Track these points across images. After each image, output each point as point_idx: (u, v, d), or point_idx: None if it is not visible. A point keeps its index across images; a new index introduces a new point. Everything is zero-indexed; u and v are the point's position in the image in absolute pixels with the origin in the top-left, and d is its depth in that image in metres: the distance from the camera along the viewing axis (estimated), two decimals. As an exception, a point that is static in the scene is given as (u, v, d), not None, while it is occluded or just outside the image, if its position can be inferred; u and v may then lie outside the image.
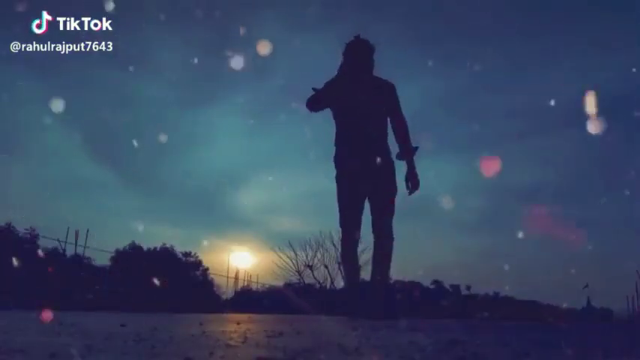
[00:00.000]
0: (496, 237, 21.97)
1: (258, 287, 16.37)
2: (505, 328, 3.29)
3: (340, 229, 3.59)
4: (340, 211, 3.50)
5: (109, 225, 17.44)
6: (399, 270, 16.00)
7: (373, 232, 3.54)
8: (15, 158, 15.87)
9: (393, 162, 3.50)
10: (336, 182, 3.49)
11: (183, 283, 12.77)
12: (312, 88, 3.41)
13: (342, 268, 4.10)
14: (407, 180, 3.48)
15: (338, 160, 3.48)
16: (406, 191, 3.52)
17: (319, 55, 18.28)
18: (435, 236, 22.49)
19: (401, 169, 3.65)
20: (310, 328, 2.44)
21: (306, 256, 14.08)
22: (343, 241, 3.63)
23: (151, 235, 21.41)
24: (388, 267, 3.53)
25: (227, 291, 15.22)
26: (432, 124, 19.89)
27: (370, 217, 3.53)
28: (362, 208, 3.49)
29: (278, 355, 1.30)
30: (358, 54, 3.39)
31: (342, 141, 3.44)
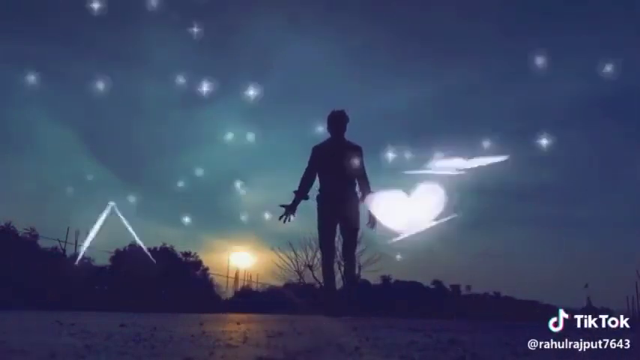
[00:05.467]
0: (496, 236, 21.88)
1: (258, 287, 16.34)
2: (505, 328, 3.30)
3: (320, 249, 4.84)
4: (319, 235, 4.74)
5: (108, 225, 17.40)
6: (399, 271, 15.97)
7: (342, 256, 4.92)
8: (15, 157, 15.84)
9: (358, 204, 4.73)
10: (317, 213, 4.69)
11: (183, 283, 12.70)
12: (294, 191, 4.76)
13: (322, 277, 4.97)
14: (369, 220, 4.75)
15: (320, 200, 4.72)
16: (367, 225, 4.80)
17: (319, 53, 18.21)
18: (434, 235, 22.42)
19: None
20: (310, 328, 2.47)
21: (306, 256, 14.08)
22: (323, 259, 4.78)
23: (151, 235, 21.34)
24: (352, 282, 4.95)
25: (227, 291, 15.19)
26: (429, 124, 19.79)
27: (341, 239, 4.86)
28: (335, 232, 4.74)
29: (278, 356, 1.30)
30: (334, 126, 4.70)
31: (323, 189, 4.69)
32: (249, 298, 14.25)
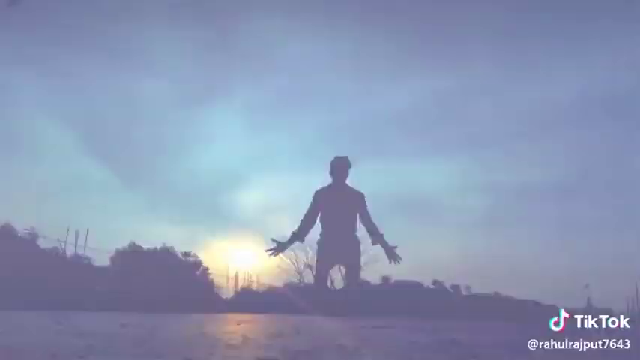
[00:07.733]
0: (497, 236, 21.76)
1: (258, 287, 16.30)
2: (505, 328, 3.30)
3: (314, 280, 5.05)
4: (316, 272, 4.92)
5: (108, 225, 17.30)
6: (400, 270, 15.88)
7: (344, 280, 4.89)
8: (15, 158, 15.82)
9: (359, 249, 4.86)
10: (317, 256, 4.86)
11: (183, 282, 12.66)
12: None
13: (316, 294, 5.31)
14: (389, 256, 4.79)
15: (320, 244, 4.83)
16: (391, 264, 4.86)
17: (322, 53, 18.08)
18: (436, 235, 22.24)
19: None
20: (310, 328, 2.46)
21: (306, 256, 14.06)
22: (315, 287, 4.94)
23: (151, 234, 21.20)
24: (352, 283, 4.96)
25: (227, 291, 15.13)
26: (433, 122, 19.65)
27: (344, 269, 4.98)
28: (330, 268, 4.96)
29: (278, 356, 1.30)
30: (336, 173, 4.90)
31: (324, 234, 4.82)
32: (249, 298, 14.19)
